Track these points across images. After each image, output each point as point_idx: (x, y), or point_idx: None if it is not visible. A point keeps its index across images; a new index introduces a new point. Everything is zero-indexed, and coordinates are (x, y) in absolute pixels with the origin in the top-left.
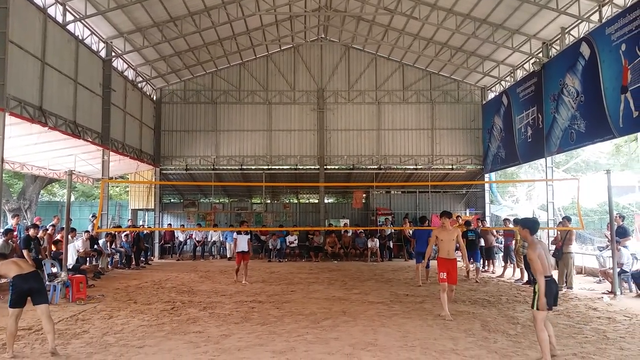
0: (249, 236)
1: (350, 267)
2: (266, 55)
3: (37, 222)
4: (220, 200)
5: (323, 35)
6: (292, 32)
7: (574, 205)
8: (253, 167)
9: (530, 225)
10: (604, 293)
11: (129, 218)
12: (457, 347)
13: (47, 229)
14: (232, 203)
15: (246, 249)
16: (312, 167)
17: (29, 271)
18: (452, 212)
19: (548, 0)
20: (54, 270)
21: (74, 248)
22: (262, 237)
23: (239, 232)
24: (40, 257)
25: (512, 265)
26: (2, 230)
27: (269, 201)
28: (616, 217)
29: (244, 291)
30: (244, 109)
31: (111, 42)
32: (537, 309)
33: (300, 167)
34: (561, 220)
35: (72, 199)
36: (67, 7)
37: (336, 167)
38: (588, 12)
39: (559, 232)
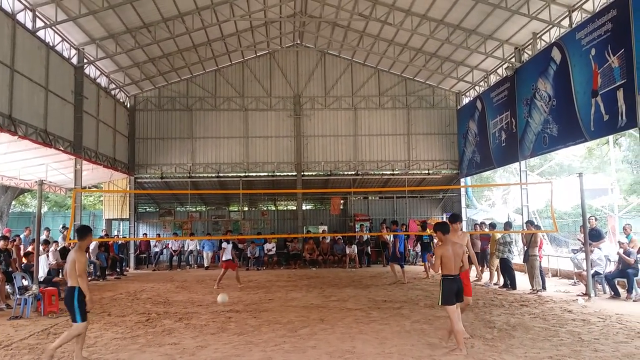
0: (230, 245)
1: (328, 273)
2: (242, 61)
3: (7, 234)
4: (197, 209)
5: (299, 41)
6: (267, 38)
7: (549, 209)
8: (230, 175)
9: (440, 228)
10: (578, 295)
11: (103, 228)
12: (435, 353)
13: (14, 240)
14: (209, 211)
15: (229, 257)
16: (290, 173)
17: None
18: (429, 217)
19: (520, 6)
20: (25, 283)
21: (46, 260)
22: (240, 246)
23: (226, 241)
24: (10, 269)
25: (488, 269)
26: None
27: (246, 209)
28: (590, 219)
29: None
30: (220, 116)
31: (83, 49)
32: (441, 304)
33: (278, 173)
34: (525, 224)
35: (45, 209)
36: (37, 13)
37: (313, 173)
38: (559, 18)
39: (523, 236)
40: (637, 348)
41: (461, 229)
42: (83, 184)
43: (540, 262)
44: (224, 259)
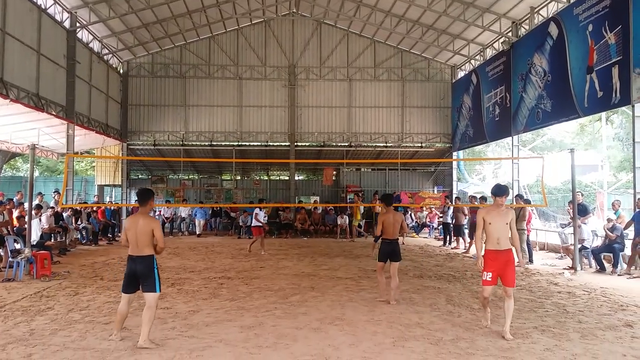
0: (262, 212)
1: (319, 243)
2: (237, 29)
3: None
4: (190, 177)
5: (295, 10)
6: (263, 6)
7: (539, 183)
8: (223, 143)
9: (384, 199)
10: (565, 269)
11: (96, 194)
12: (422, 320)
13: (7, 204)
14: (201, 179)
15: (259, 224)
16: (283, 143)
17: None
18: (421, 190)
19: None
20: (17, 246)
21: (39, 224)
22: (232, 214)
23: (259, 209)
24: (0, 233)
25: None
26: None
27: (239, 177)
28: (577, 194)
29: (212, 267)
30: (213, 84)
31: (76, 12)
32: (377, 260)
33: (271, 143)
34: (514, 198)
35: (36, 174)
36: None
37: (307, 144)
38: None
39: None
40: (620, 320)
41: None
42: (75, 150)
43: (528, 235)
44: (253, 224)
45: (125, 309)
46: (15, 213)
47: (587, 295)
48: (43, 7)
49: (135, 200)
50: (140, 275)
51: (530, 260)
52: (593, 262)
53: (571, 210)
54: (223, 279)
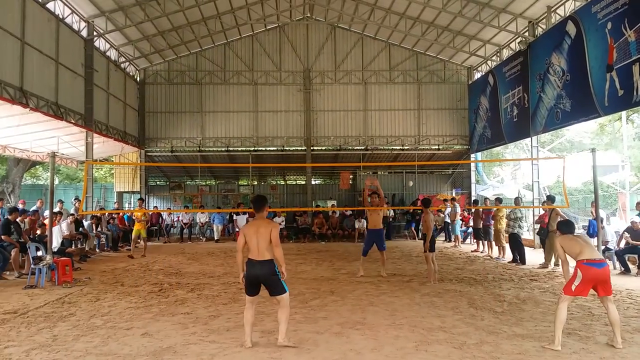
0: (246, 216)
1: (337, 247)
2: (251, 34)
3: (21, 205)
4: (207, 182)
5: (309, 14)
6: (277, 11)
7: (559, 185)
8: (239, 149)
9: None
10: None
11: (115, 201)
12: (445, 324)
13: (31, 215)
14: (218, 185)
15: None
16: (299, 148)
17: None
18: (441, 192)
19: None
20: (39, 253)
21: (59, 231)
22: (250, 219)
23: (237, 214)
24: (22, 240)
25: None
26: None
27: (255, 183)
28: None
29: (231, 272)
30: (229, 90)
31: (93, 22)
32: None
33: (287, 148)
34: (545, 200)
35: (56, 181)
36: None
37: (323, 148)
38: None
39: (545, 211)
40: None
41: None
42: (94, 157)
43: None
44: (238, 229)
45: (250, 312)
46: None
47: (613, 297)
48: (61, 16)
49: (252, 207)
50: (263, 280)
51: (522, 262)
52: (617, 264)
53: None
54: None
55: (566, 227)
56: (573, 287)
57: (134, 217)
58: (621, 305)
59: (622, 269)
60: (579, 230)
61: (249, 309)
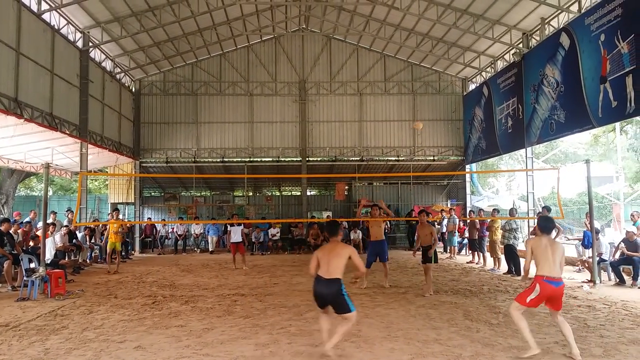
0: (241, 227)
1: None
2: (247, 45)
3: (17, 217)
4: (202, 193)
5: (304, 26)
6: (273, 22)
7: (554, 196)
8: (235, 160)
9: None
10: (583, 282)
11: (110, 212)
12: (440, 337)
13: (24, 227)
14: (213, 196)
15: (239, 240)
16: (294, 159)
17: None
18: (436, 203)
19: None
20: (32, 265)
21: (53, 242)
22: (245, 230)
23: (231, 225)
24: (15, 251)
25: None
26: None
27: (251, 194)
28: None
29: (226, 284)
30: (225, 101)
31: (88, 32)
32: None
33: (283, 159)
34: (541, 210)
35: (50, 193)
36: None
37: (318, 159)
38: (567, 3)
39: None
40: None
41: None
42: (89, 168)
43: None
44: (232, 240)
45: (326, 321)
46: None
47: (608, 308)
48: (56, 27)
49: (325, 231)
50: (330, 301)
51: (518, 273)
52: (612, 275)
53: (588, 223)
54: (237, 295)
55: (545, 222)
56: (528, 299)
57: (110, 230)
58: (616, 316)
59: (617, 280)
60: (574, 241)
61: (322, 317)
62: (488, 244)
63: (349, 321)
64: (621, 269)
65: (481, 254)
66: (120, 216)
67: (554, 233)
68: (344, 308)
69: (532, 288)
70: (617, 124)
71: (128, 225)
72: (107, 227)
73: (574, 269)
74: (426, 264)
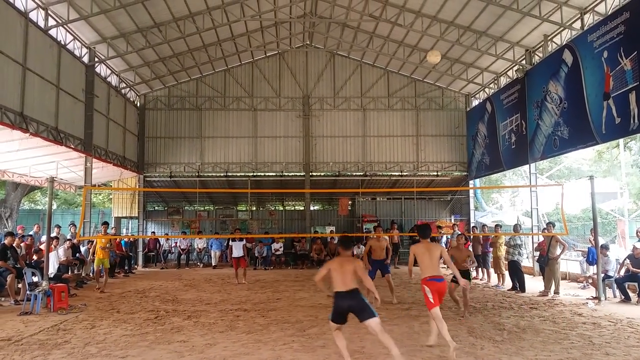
0: (243, 242)
1: None
2: (251, 61)
3: (20, 231)
4: (205, 208)
5: (308, 42)
6: (277, 39)
7: (558, 212)
8: (238, 174)
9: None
10: (588, 299)
11: (113, 226)
12: (444, 353)
13: (27, 239)
14: (217, 210)
15: (241, 254)
16: (298, 173)
17: None
18: (440, 218)
19: (531, 8)
20: (35, 279)
21: (56, 256)
22: (248, 245)
23: (233, 239)
24: (18, 265)
25: (486, 271)
26: None
27: (254, 208)
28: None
29: (229, 299)
30: (229, 116)
31: (94, 48)
32: None
33: (286, 174)
34: (545, 226)
35: (54, 207)
36: (49, 11)
37: (322, 173)
38: (570, 20)
39: (544, 238)
40: None
41: None
42: (93, 182)
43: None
44: (234, 255)
45: (342, 338)
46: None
47: (613, 326)
48: (63, 42)
49: (339, 245)
50: (355, 310)
51: (522, 289)
52: (617, 292)
53: (592, 239)
54: (239, 311)
55: (422, 231)
56: (432, 300)
57: (97, 245)
58: (622, 334)
59: (622, 297)
60: (579, 257)
61: (337, 336)
62: (492, 260)
63: (380, 331)
64: (626, 285)
65: (485, 270)
66: (110, 230)
67: (558, 249)
68: (368, 313)
69: (424, 292)
70: (621, 140)
71: (117, 240)
72: (94, 242)
73: (579, 286)
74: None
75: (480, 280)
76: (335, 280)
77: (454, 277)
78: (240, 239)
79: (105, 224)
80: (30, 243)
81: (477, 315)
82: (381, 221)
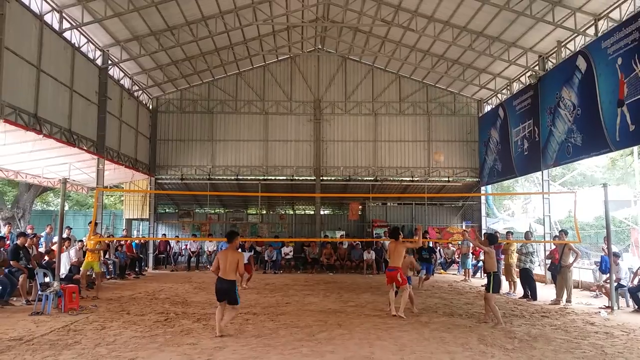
0: (251, 254)
1: (346, 279)
2: (263, 65)
3: (30, 230)
4: (216, 211)
5: (320, 46)
6: (289, 43)
7: (571, 219)
8: (249, 178)
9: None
10: (601, 308)
11: (124, 228)
12: None
13: (32, 238)
14: (227, 213)
15: (246, 262)
16: (309, 178)
17: None
18: (451, 224)
19: (544, 14)
20: (47, 279)
21: (68, 257)
22: (258, 249)
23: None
24: (30, 266)
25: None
26: None
27: (264, 212)
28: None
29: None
30: (240, 119)
31: (108, 50)
32: None
33: (297, 177)
34: (557, 234)
35: (66, 208)
36: (64, 14)
37: (332, 178)
38: (584, 26)
39: (556, 246)
40: None
41: None
42: (105, 184)
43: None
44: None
45: (219, 314)
46: (42, 247)
47: (626, 335)
48: (77, 45)
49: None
50: (223, 293)
51: (534, 297)
52: (630, 301)
53: (606, 247)
54: (249, 314)
55: (393, 231)
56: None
57: (84, 248)
58: (635, 344)
59: (636, 306)
60: (592, 266)
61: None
62: (503, 267)
63: (231, 313)
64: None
65: None
66: (100, 231)
67: (571, 257)
68: (235, 301)
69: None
70: (635, 148)
71: (107, 242)
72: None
73: (591, 295)
74: (487, 294)
75: None
76: (221, 268)
77: (485, 285)
78: (249, 250)
79: (95, 223)
80: (36, 241)
81: (488, 322)
82: (391, 226)
